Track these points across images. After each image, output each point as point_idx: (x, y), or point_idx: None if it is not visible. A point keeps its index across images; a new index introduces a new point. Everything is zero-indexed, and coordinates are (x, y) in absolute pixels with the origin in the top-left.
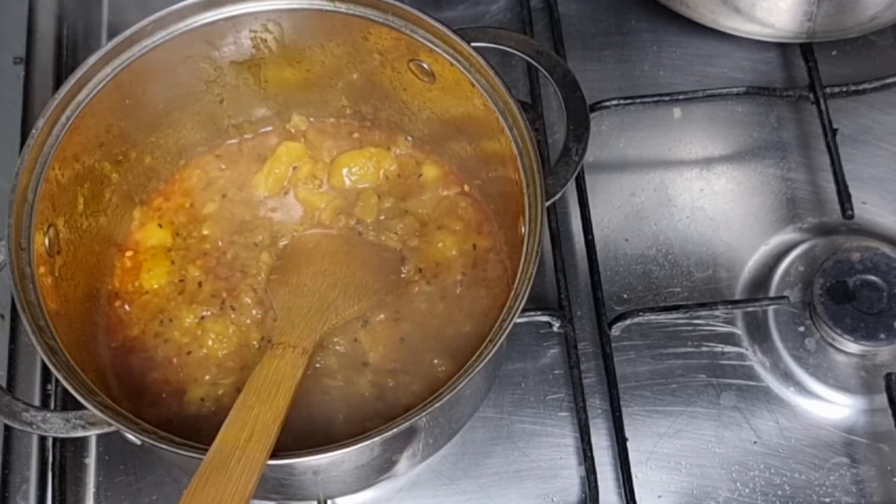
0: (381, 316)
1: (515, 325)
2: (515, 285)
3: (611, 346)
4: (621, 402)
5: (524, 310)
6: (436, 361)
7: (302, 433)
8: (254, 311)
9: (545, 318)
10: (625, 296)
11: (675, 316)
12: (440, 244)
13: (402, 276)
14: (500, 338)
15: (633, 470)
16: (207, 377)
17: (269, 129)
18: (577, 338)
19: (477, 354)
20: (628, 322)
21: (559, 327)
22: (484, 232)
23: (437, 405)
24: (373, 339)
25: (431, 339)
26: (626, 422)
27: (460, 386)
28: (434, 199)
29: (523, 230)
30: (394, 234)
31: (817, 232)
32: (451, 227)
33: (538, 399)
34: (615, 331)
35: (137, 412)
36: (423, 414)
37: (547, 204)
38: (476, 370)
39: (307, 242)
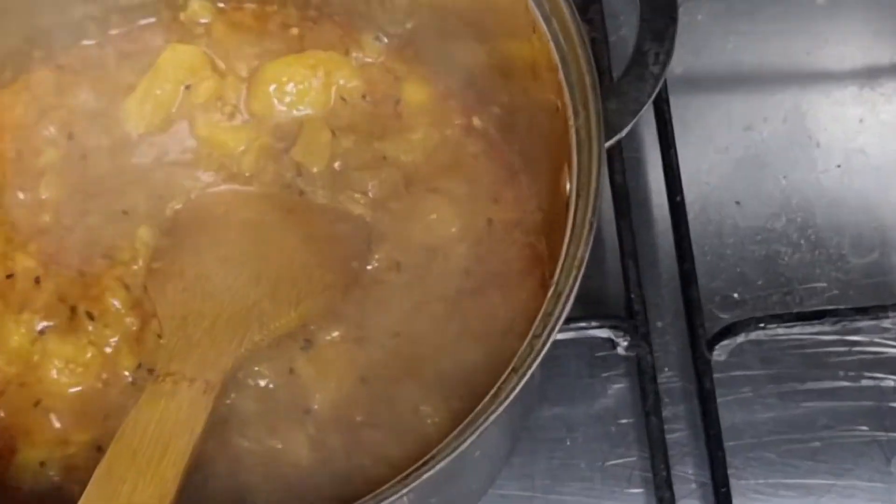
0: (335, 333)
1: (556, 345)
2: (556, 279)
3: (712, 380)
4: (729, 472)
5: (570, 319)
6: (423, 409)
7: None
8: (126, 322)
9: (604, 334)
10: (734, 295)
11: (817, 329)
12: (432, 216)
13: (370, 266)
14: (529, 366)
15: None
16: (50, 430)
17: (151, 20)
18: (656, 365)
19: (491, 395)
20: (741, 339)
21: (627, 348)
22: (504, 196)
23: (424, 477)
24: (319, 371)
25: (414, 373)
26: (736, 503)
27: (463, 447)
28: (423, 142)
29: (569, 189)
30: (358, 194)
31: None
32: (451, 188)
33: (593, 466)
34: (719, 354)
35: None
36: (402, 493)
37: (608, 145)
38: (489, 421)
39: (213, 208)
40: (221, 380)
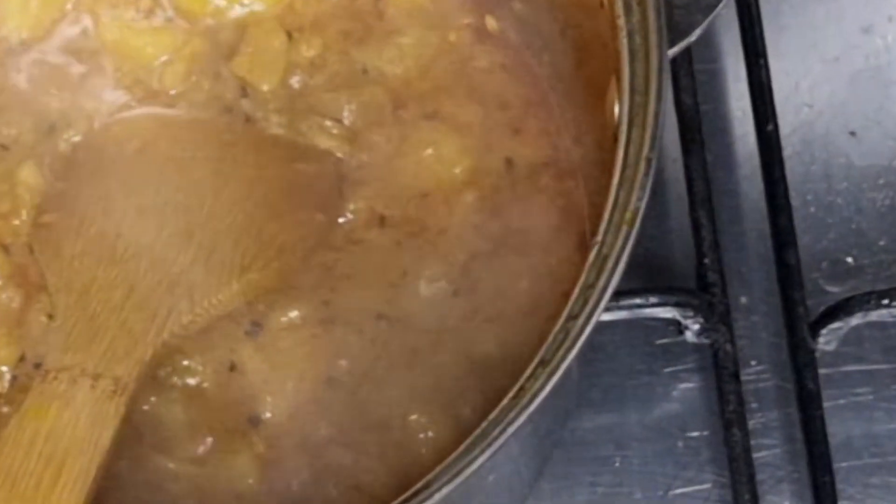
0: (293, 314)
1: (601, 329)
2: (600, 238)
3: (817, 377)
4: (839, 502)
5: (621, 294)
6: (414, 419)
7: None
8: (2, 298)
9: (668, 314)
10: (848, 261)
11: None
12: (428, 152)
13: (342, 220)
14: (563, 359)
15: None
16: None
17: None
18: (739, 357)
19: (510, 397)
20: (856, 321)
21: (699, 333)
22: (529, 126)
23: None
24: (271, 367)
25: (403, 370)
26: None
27: (471, 469)
28: (417, 49)
29: (618, 114)
30: (329, 121)
31: None
32: (456, 113)
33: (651, 496)
34: (827, 341)
35: None
36: None
37: (672, 53)
38: (507, 434)
39: (124, 141)
40: (136, 377)
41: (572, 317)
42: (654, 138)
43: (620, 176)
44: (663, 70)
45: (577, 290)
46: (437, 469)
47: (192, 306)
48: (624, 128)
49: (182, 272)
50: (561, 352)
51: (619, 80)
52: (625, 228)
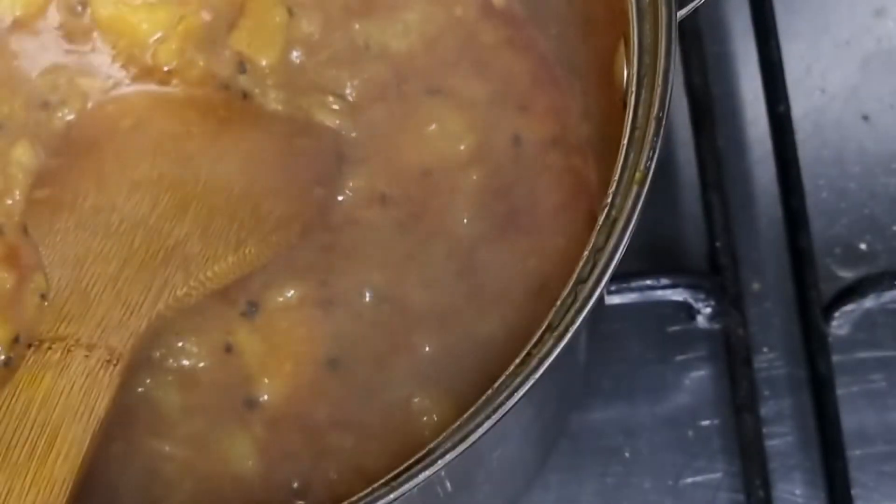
0: (290, 293)
1: (611, 314)
2: (609, 200)
3: (830, 363)
4: (854, 492)
5: (632, 275)
6: (416, 402)
7: None
8: None
9: (679, 297)
10: (861, 246)
11: None
12: (431, 127)
13: (341, 197)
14: (570, 324)
15: None
16: None
17: None
18: (751, 343)
19: (517, 363)
20: (870, 305)
21: (711, 317)
22: (536, 102)
23: (420, 478)
24: (269, 348)
25: (405, 351)
26: None
27: (474, 436)
28: (422, 24)
29: (626, 77)
30: (328, 97)
31: None
32: (460, 88)
33: (662, 485)
34: (840, 325)
35: None
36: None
37: (682, 14)
38: (513, 400)
39: (119, 119)
40: (131, 347)
41: (581, 280)
42: (664, 98)
43: (630, 137)
44: (673, 29)
45: (585, 254)
46: (444, 434)
47: (186, 278)
48: (633, 89)
49: (177, 245)
50: (569, 315)
51: (626, 42)
52: (635, 188)
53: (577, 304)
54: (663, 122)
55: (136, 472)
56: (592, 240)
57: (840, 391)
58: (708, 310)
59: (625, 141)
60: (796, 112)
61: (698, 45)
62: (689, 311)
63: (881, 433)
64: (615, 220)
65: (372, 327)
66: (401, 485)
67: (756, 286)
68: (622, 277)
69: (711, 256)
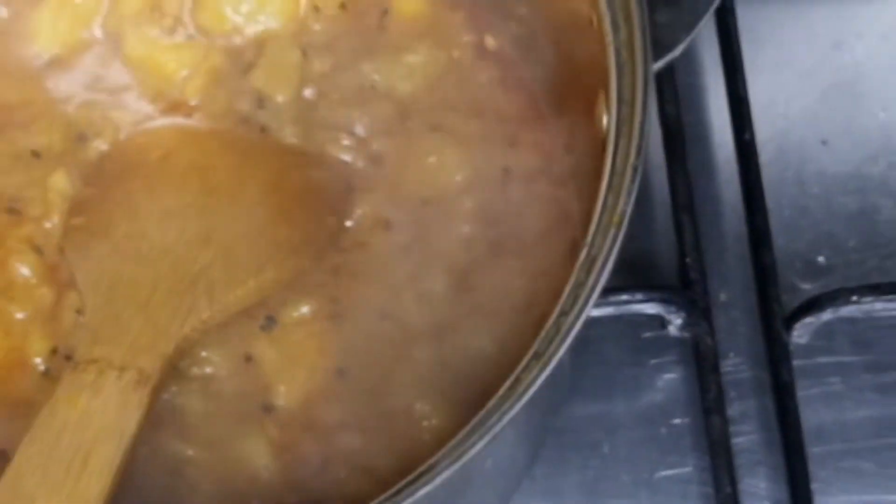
0: (304, 309)
1: (590, 324)
2: (589, 240)
3: (791, 369)
4: (813, 486)
5: (609, 291)
6: (418, 407)
7: None
8: (37, 294)
9: (652, 310)
10: (820, 260)
11: None
12: (431, 160)
13: (350, 223)
14: (555, 351)
15: None
16: None
17: None
18: (718, 350)
19: (507, 387)
20: (828, 316)
21: (682, 327)
22: (524, 137)
23: (420, 494)
24: (284, 358)
25: (407, 362)
26: None
27: (471, 454)
28: (426, 67)
29: (606, 125)
30: (343, 133)
31: None
32: (457, 125)
33: (638, 479)
34: (800, 335)
35: None
36: None
37: (656, 68)
38: (504, 420)
39: (148, 150)
40: (159, 368)
41: (564, 313)
42: (639, 148)
43: (608, 182)
44: (648, 84)
45: (567, 289)
46: (439, 454)
47: (210, 303)
48: (612, 138)
49: (202, 270)
50: (553, 345)
51: (607, 93)
52: (612, 231)
53: (560, 336)
54: (639, 171)
55: (160, 474)
56: (574, 276)
57: (800, 394)
58: (679, 320)
59: (603, 186)
60: (760, 138)
61: (671, 78)
62: (661, 321)
63: (838, 432)
64: (595, 258)
65: (376, 340)
66: (403, 500)
67: (723, 298)
68: (601, 294)
69: (682, 271)
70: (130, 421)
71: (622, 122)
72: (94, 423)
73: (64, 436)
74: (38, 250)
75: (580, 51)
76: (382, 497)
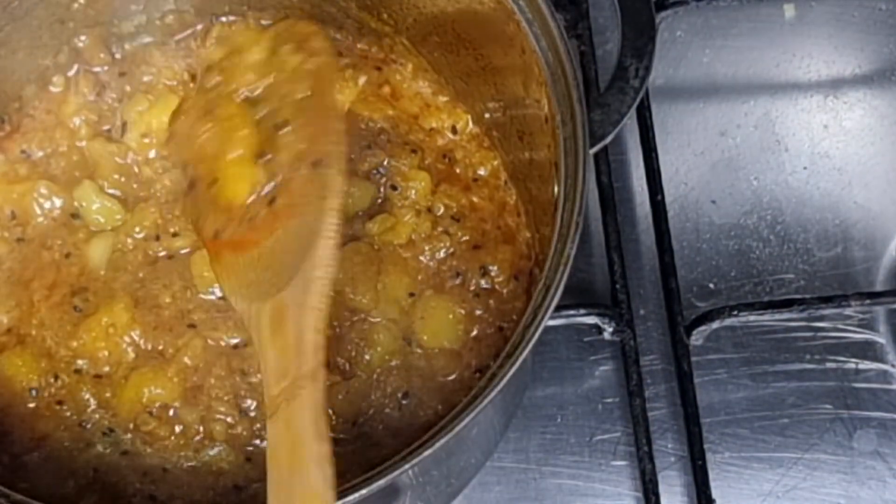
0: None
1: (547, 331)
2: (545, 273)
3: (690, 362)
4: (705, 446)
5: (561, 307)
6: (412, 394)
7: None
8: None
9: (592, 320)
10: (710, 286)
11: (786, 316)
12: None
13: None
14: (521, 352)
15: None
16: None
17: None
18: (639, 349)
19: (487, 378)
20: (716, 325)
21: (613, 333)
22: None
23: (425, 454)
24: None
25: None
26: (712, 475)
27: (460, 426)
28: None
29: (556, 191)
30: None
31: None
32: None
33: (581, 441)
34: (696, 338)
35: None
36: (405, 469)
37: (593, 150)
38: (486, 402)
39: None
40: (319, 365)
41: (527, 325)
42: (581, 208)
43: (558, 233)
44: (587, 163)
45: (529, 309)
46: (436, 427)
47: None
48: (560, 202)
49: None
50: (520, 348)
51: (557, 170)
52: (562, 267)
53: (525, 341)
54: (580, 225)
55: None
56: (534, 299)
57: (697, 380)
58: (610, 328)
59: (555, 236)
60: (668, 199)
61: (605, 156)
62: (598, 329)
63: (723, 407)
64: (549, 286)
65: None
66: (414, 458)
67: (642, 312)
68: (554, 310)
69: (613, 293)
70: (320, 415)
71: (568, 191)
72: (298, 432)
73: (284, 443)
74: None
75: (539, 136)
76: (398, 456)
